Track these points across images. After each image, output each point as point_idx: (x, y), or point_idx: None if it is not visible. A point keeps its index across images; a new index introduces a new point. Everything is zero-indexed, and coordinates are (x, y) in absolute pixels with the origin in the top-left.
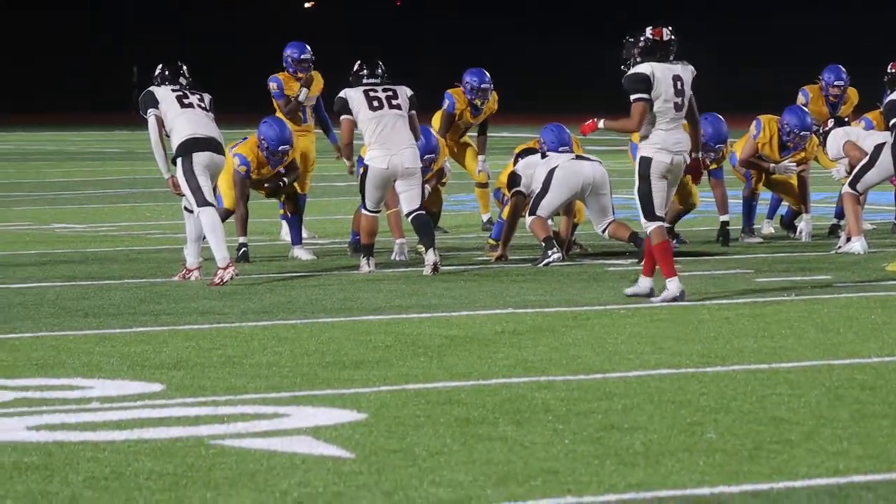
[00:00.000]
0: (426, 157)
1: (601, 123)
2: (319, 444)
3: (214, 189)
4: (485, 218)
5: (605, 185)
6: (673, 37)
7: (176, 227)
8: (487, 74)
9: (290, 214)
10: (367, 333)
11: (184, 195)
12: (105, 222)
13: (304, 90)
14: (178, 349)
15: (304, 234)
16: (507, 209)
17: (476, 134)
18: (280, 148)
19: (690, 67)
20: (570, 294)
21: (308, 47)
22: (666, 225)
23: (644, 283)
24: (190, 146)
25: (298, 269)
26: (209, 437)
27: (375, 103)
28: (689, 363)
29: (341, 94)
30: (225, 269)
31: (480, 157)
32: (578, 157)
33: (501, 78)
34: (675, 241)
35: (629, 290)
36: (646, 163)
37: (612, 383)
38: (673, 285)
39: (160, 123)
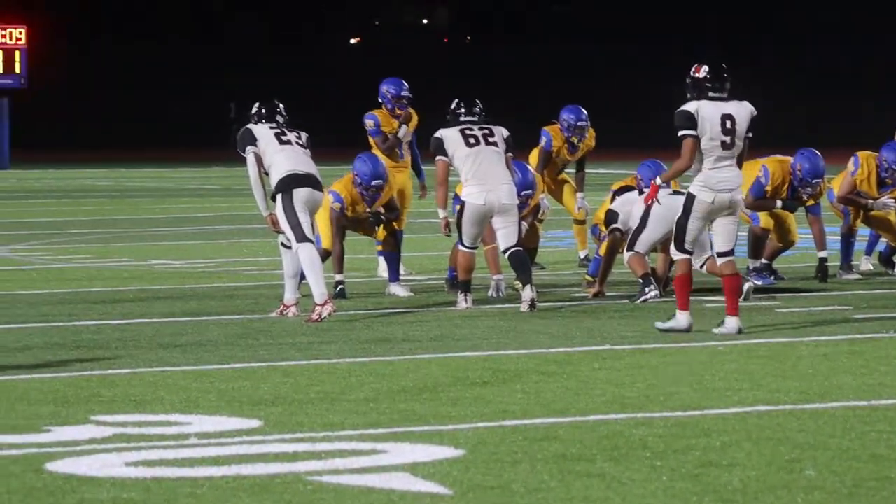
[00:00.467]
0: (523, 193)
1: (659, 181)
2: (417, 481)
3: (312, 226)
4: (582, 254)
5: None
6: (715, 74)
7: (273, 263)
8: (584, 112)
9: (387, 251)
10: (464, 370)
11: (282, 232)
12: (203, 259)
13: (404, 127)
14: (275, 385)
15: (402, 270)
16: (604, 245)
17: (574, 170)
18: (373, 183)
19: (748, 106)
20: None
21: (405, 84)
22: (762, 262)
23: (681, 318)
24: (289, 182)
25: (396, 306)
26: (307, 473)
27: (472, 140)
28: (788, 400)
29: (437, 133)
30: (323, 305)
31: (579, 194)
32: (676, 193)
33: (599, 115)
34: (772, 278)
35: (663, 325)
36: (690, 199)
37: (711, 420)
38: (683, 318)
39: (259, 161)
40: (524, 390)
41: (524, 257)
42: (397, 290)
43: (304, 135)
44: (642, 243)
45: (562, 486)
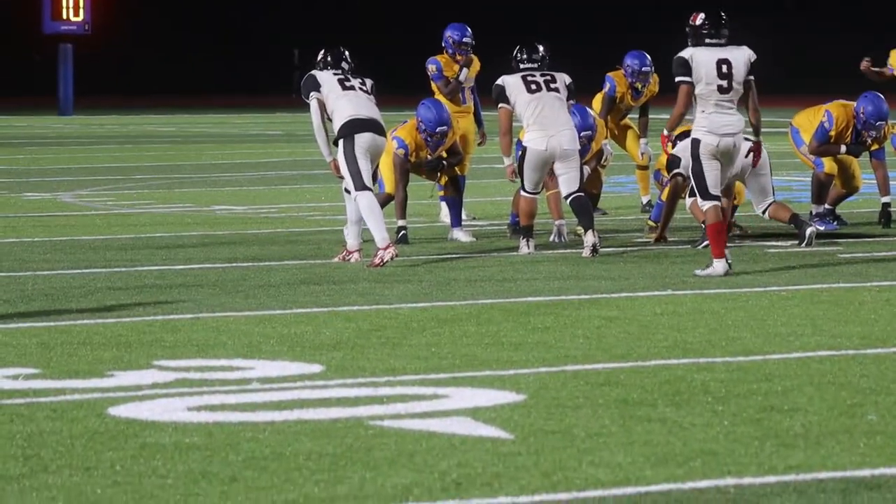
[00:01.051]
0: (582, 134)
1: (666, 132)
2: (478, 425)
3: (375, 172)
4: (644, 200)
5: (766, 165)
6: (712, 21)
7: (336, 209)
8: (648, 57)
9: (450, 196)
10: (526, 315)
11: (344, 178)
12: (265, 204)
13: (465, 70)
14: (337, 330)
15: (464, 215)
16: (666, 191)
17: (637, 116)
18: (438, 129)
19: (746, 51)
20: (730, 275)
21: (469, 29)
22: (826, 207)
23: (718, 265)
24: (352, 127)
25: (458, 251)
26: (368, 417)
27: (534, 86)
28: (850, 345)
29: (499, 80)
30: (385, 248)
31: (642, 140)
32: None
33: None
34: (835, 223)
35: (702, 272)
36: (695, 144)
37: (772, 365)
38: (720, 265)
39: (322, 107)
40: (585, 335)
41: (586, 202)
42: (459, 235)
43: (368, 81)
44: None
45: (623, 431)
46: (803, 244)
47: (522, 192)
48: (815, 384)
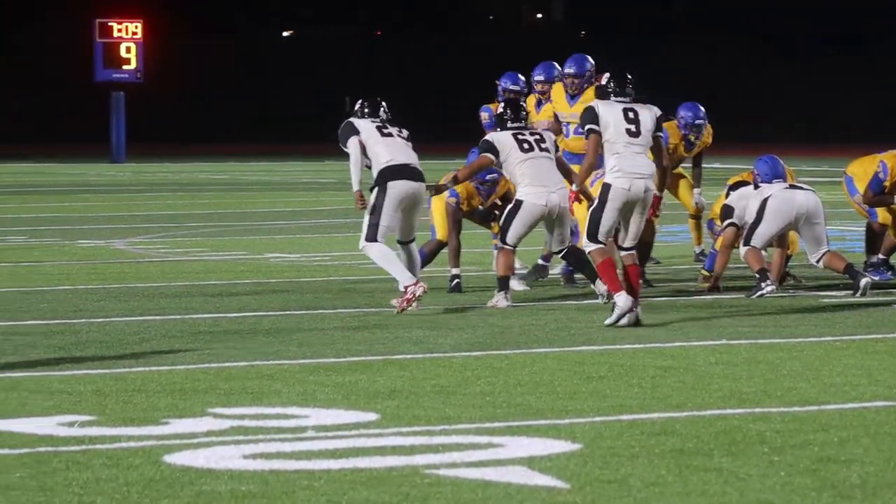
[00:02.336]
0: None
1: (575, 187)
2: (534, 475)
3: (412, 223)
4: (698, 249)
5: (819, 214)
6: (617, 80)
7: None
8: (702, 109)
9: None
10: (580, 364)
11: (364, 209)
12: (318, 252)
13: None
14: (392, 378)
15: (517, 264)
16: (720, 240)
17: (690, 165)
18: (488, 177)
19: (653, 108)
20: (784, 325)
21: (522, 78)
22: (879, 257)
23: (619, 298)
24: (387, 175)
25: (512, 300)
26: (424, 466)
27: (526, 146)
28: None
29: (488, 136)
30: (415, 285)
31: (695, 190)
32: (792, 187)
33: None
34: (889, 273)
35: (611, 319)
36: (605, 189)
37: (828, 415)
38: (621, 298)
39: (362, 148)
40: (641, 384)
41: (581, 254)
42: (513, 283)
43: (405, 131)
44: (758, 238)
45: (679, 481)
46: (858, 294)
47: (503, 246)
48: (871, 435)
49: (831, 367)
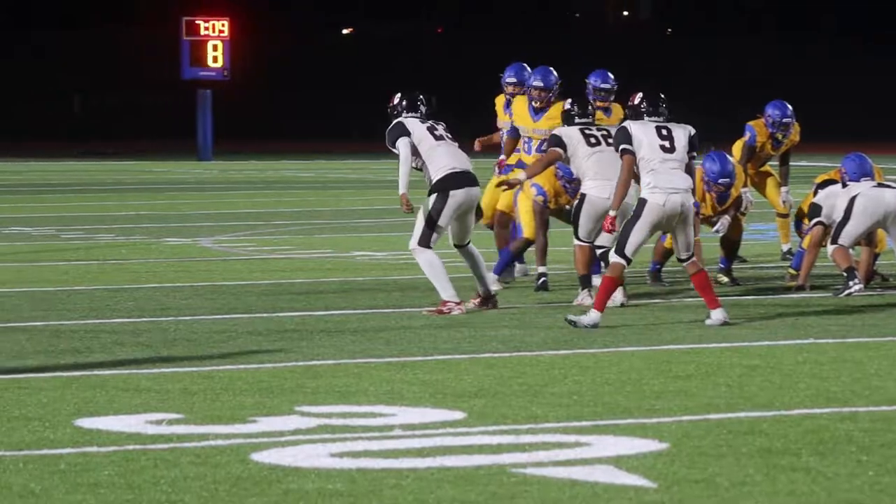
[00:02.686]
0: (721, 181)
1: (612, 213)
2: (621, 474)
3: (467, 228)
4: (785, 248)
5: None
6: (650, 99)
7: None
8: (790, 108)
9: None
10: (667, 363)
11: (411, 213)
12: (405, 250)
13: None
14: (478, 377)
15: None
16: (807, 239)
17: (777, 163)
18: (575, 175)
19: (688, 127)
20: (872, 324)
21: (611, 76)
22: None
23: (593, 314)
24: (449, 182)
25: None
26: (511, 465)
27: (593, 140)
28: None
29: (556, 131)
30: (458, 304)
31: (783, 188)
32: (880, 185)
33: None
34: None
35: (573, 317)
36: (641, 204)
37: None
38: (594, 315)
39: (413, 149)
40: (728, 384)
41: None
42: (599, 282)
43: (442, 124)
44: (846, 236)
45: (767, 481)
46: None
47: (577, 242)
48: None
49: None
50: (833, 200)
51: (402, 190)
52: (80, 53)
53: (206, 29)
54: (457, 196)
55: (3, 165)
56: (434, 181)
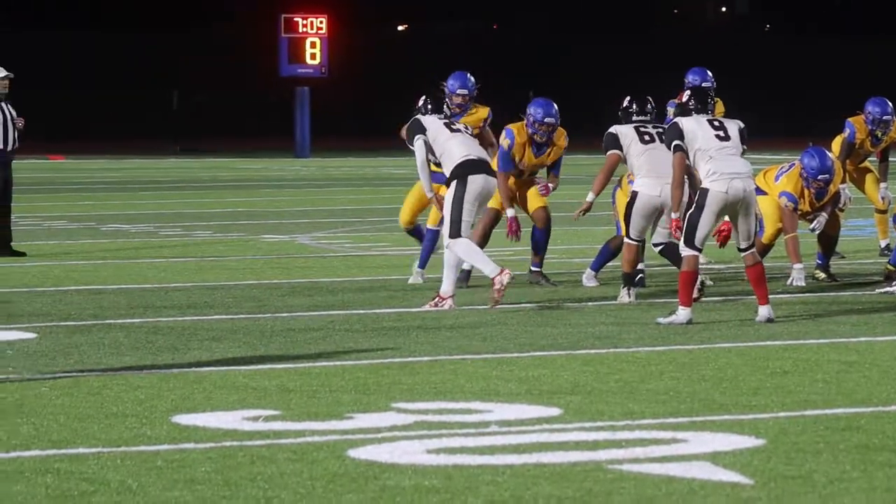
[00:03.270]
0: (820, 177)
1: (675, 215)
2: (718, 470)
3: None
4: (883, 244)
5: None
6: (698, 97)
7: (578, 251)
8: (890, 105)
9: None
10: (764, 359)
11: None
12: (500, 247)
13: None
14: (575, 374)
15: (701, 259)
16: None
17: (877, 159)
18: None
19: (737, 121)
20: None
21: (709, 74)
22: None
23: (682, 313)
24: (465, 168)
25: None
26: (607, 461)
27: (647, 137)
28: None
29: (612, 129)
30: (500, 274)
31: (882, 184)
32: None
33: None
34: None
35: (664, 320)
36: (703, 193)
37: None
38: (684, 312)
39: (428, 148)
40: (825, 380)
41: (676, 249)
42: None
43: (468, 127)
44: None
45: (864, 477)
46: None
47: (627, 240)
48: None
49: None
50: None
51: (429, 195)
52: (180, 52)
53: (305, 26)
54: (475, 182)
55: (103, 163)
56: (450, 170)
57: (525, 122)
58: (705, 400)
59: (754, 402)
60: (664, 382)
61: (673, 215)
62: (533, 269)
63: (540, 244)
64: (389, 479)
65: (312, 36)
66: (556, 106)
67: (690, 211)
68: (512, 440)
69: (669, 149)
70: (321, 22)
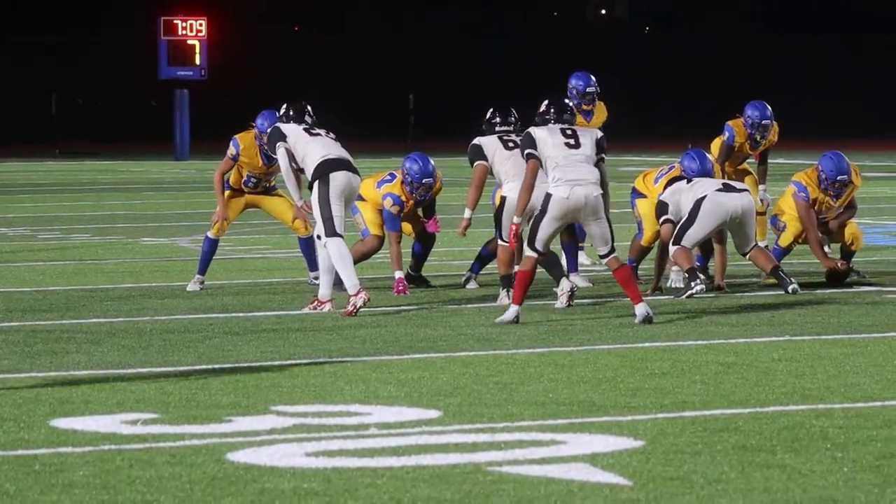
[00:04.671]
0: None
1: (517, 219)
2: (597, 472)
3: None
4: (762, 244)
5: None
6: (556, 106)
7: (453, 254)
8: (769, 109)
9: (565, 242)
10: (642, 360)
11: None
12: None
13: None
14: (454, 376)
15: (582, 260)
16: (784, 236)
17: (756, 161)
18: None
19: (595, 131)
20: (848, 321)
21: (593, 78)
22: None
23: (512, 310)
24: (326, 167)
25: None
26: (486, 463)
27: (511, 144)
28: None
29: (475, 141)
30: (356, 295)
31: (761, 187)
32: (726, 187)
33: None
34: None
35: (498, 319)
36: (546, 198)
37: (891, 411)
38: (512, 310)
39: (290, 155)
40: (703, 381)
41: (555, 257)
42: (577, 280)
43: (332, 133)
44: (689, 239)
45: (742, 478)
46: None
47: (501, 242)
48: None
49: (895, 363)
50: (678, 197)
51: (298, 202)
52: (58, 55)
53: (184, 28)
54: (337, 178)
55: None
56: (311, 171)
57: (402, 181)
58: (584, 401)
59: (633, 404)
60: (543, 384)
61: (515, 219)
62: (412, 273)
63: (420, 256)
64: (268, 482)
65: (192, 38)
66: (432, 162)
67: (536, 214)
68: (391, 443)
69: (523, 156)
70: (201, 24)
